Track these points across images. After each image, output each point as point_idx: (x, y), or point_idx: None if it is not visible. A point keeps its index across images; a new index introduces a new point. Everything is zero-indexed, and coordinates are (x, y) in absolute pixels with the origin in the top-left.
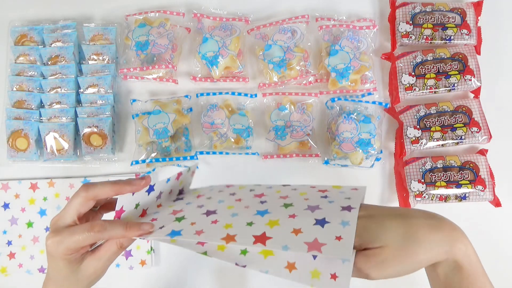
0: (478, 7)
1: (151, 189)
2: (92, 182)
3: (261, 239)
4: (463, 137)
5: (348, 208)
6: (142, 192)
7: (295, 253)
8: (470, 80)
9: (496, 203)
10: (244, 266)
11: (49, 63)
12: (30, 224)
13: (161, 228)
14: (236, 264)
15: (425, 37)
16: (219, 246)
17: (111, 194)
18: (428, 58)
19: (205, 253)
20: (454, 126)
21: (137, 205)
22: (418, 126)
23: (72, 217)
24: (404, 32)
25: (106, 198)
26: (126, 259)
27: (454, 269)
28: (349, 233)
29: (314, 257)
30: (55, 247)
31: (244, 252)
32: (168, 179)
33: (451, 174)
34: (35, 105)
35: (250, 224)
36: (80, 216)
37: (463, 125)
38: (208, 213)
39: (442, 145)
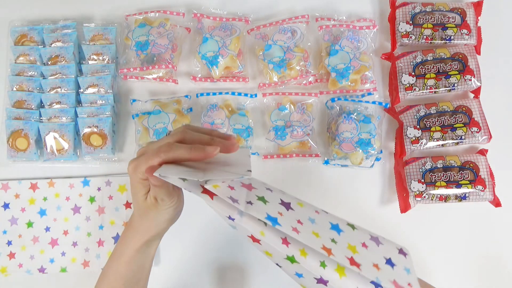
0: (478, 7)
1: None
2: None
3: (352, 261)
4: (463, 137)
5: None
6: None
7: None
8: (470, 80)
9: (496, 203)
10: (326, 283)
11: (49, 63)
12: (30, 224)
13: (249, 203)
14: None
15: (425, 37)
16: (302, 252)
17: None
18: (428, 58)
19: (292, 257)
20: (454, 126)
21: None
22: (418, 126)
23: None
24: (404, 32)
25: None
26: None
27: None
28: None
29: None
30: (132, 171)
31: (323, 264)
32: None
33: (451, 174)
34: (35, 105)
35: (333, 241)
36: None
37: (463, 125)
38: (285, 206)
39: (442, 145)
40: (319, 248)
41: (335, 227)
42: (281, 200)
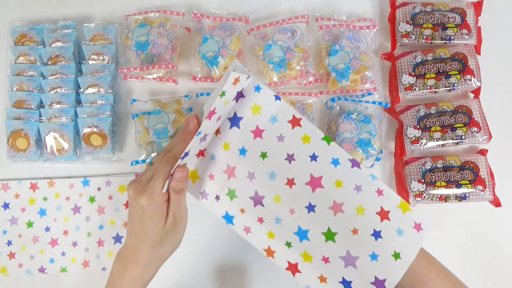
0: (478, 7)
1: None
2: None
3: (293, 268)
4: (463, 137)
5: (381, 284)
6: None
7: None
8: (470, 80)
9: (496, 203)
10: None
11: (49, 63)
12: (30, 224)
13: (216, 198)
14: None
15: (425, 37)
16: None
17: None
18: (428, 58)
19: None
20: (454, 126)
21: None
22: (418, 126)
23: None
24: (404, 32)
25: None
26: None
27: None
28: None
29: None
30: (149, 194)
31: (288, 244)
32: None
33: (451, 174)
34: (35, 105)
35: (288, 245)
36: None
37: (463, 125)
38: (256, 201)
39: (442, 145)
40: (262, 250)
41: (301, 234)
42: (256, 192)
